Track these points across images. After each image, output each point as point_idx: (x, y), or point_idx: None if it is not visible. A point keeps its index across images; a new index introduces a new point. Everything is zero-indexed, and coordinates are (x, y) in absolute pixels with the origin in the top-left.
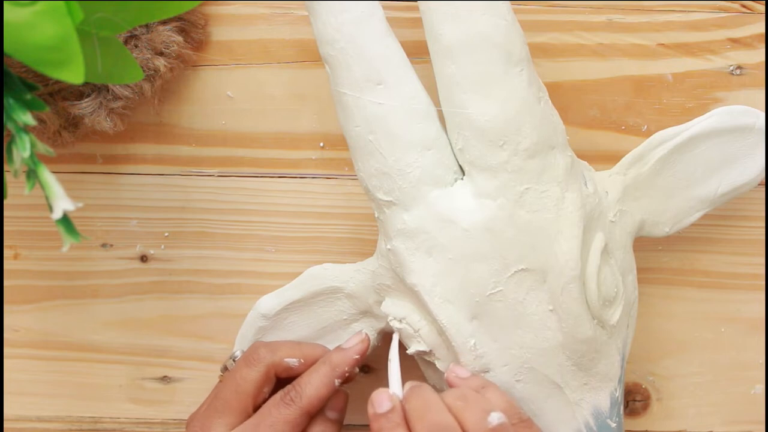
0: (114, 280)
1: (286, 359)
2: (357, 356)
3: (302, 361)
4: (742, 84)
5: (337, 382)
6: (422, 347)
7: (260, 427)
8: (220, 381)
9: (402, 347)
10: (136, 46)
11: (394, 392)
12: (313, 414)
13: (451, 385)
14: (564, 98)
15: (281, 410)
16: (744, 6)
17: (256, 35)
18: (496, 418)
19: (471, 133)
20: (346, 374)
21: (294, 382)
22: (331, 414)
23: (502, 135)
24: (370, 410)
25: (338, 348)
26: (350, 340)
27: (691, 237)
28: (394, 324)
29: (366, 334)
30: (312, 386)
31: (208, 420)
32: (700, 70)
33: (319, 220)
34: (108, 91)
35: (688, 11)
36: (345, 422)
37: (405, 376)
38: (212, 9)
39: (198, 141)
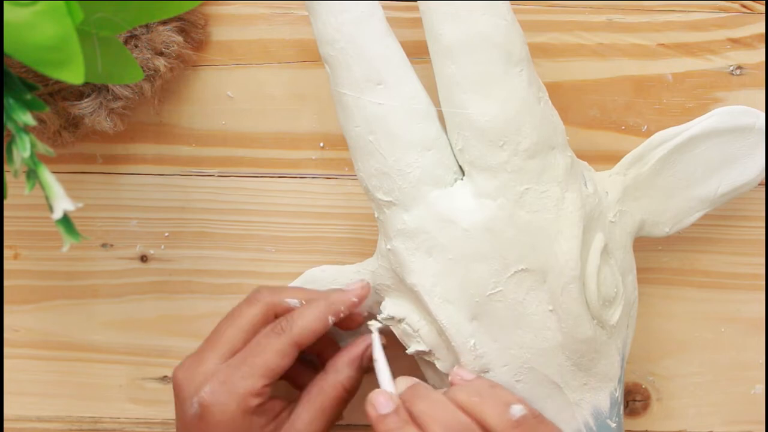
0: (114, 280)
1: (287, 299)
2: (355, 299)
3: (304, 302)
4: (742, 84)
5: (330, 319)
6: (422, 347)
7: (248, 357)
8: None
9: (400, 346)
10: (136, 46)
11: (390, 391)
12: (303, 347)
13: None
14: (564, 98)
15: (270, 339)
16: (744, 6)
17: (256, 35)
18: (518, 410)
19: (471, 133)
20: (341, 314)
21: (287, 314)
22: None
23: (502, 135)
24: (372, 412)
25: (339, 289)
26: (352, 284)
27: (691, 237)
28: (374, 325)
29: (367, 282)
30: (304, 318)
31: (203, 353)
32: (700, 70)
33: (319, 220)
34: (108, 91)
35: (688, 11)
36: (345, 422)
37: (400, 375)
38: (212, 9)
39: (198, 141)
